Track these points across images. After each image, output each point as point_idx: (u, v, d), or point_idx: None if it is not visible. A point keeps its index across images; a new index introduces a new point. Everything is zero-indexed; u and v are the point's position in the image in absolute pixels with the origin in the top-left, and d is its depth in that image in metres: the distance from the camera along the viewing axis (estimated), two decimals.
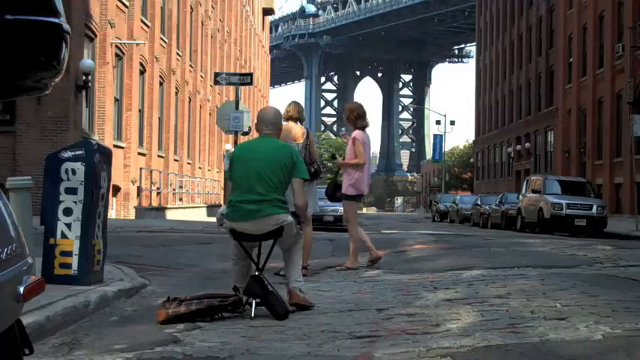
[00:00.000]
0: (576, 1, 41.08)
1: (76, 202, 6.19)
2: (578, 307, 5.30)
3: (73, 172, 6.19)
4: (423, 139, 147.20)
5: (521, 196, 26.81)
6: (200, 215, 31.36)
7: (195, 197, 35.64)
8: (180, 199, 33.09)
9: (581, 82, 39.88)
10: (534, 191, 24.81)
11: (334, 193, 9.25)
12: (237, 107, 20.94)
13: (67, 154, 6.25)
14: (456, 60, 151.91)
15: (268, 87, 75.78)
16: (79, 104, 20.43)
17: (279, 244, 5.81)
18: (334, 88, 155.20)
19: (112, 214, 22.42)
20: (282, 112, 8.54)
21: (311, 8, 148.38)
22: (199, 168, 38.12)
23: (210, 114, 39.90)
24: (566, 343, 4.15)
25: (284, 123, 8.51)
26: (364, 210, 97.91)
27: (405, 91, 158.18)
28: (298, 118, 8.53)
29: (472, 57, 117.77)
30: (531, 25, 52.56)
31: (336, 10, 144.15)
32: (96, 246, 6.33)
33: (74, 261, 6.15)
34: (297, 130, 8.41)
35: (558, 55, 44.69)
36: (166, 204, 29.40)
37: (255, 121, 6.34)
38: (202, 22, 38.69)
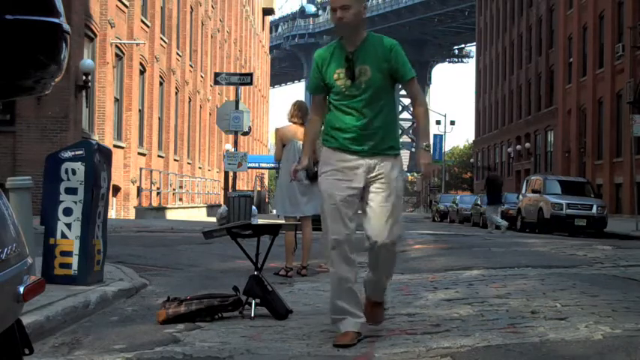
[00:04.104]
0: (576, 1, 41.08)
1: (76, 202, 6.19)
2: (578, 307, 5.30)
3: (73, 172, 6.19)
4: None
5: (521, 196, 26.81)
6: (200, 215, 31.36)
7: (195, 197, 35.65)
8: (180, 199, 33.10)
9: (581, 82, 39.88)
10: (534, 191, 24.81)
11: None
12: (237, 107, 20.95)
13: (67, 154, 6.24)
14: (456, 60, 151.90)
15: (268, 87, 75.78)
16: (79, 104, 20.44)
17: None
18: None
19: (112, 214, 22.42)
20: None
21: (311, 8, 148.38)
22: (199, 168, 38.12)
23: (210, 114, 39.90)
24: (566, 343, 4.15)
25: (288, 124, 8.49)
26: None
27: None
28: (302, 118, 8.34)
29: (472, 57, 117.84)
30: (531, 25, 52.56)
31: None
32: (96, 246, 6.33)
33: (74, 261, 6.15)
34: (301, 131, 8.27)
35: (558, 55, 44.69)
36: (166, 204, 29.41)
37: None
38: (202, 22, 38.70)
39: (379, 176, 4.44)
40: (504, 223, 21.81)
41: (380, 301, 4.78)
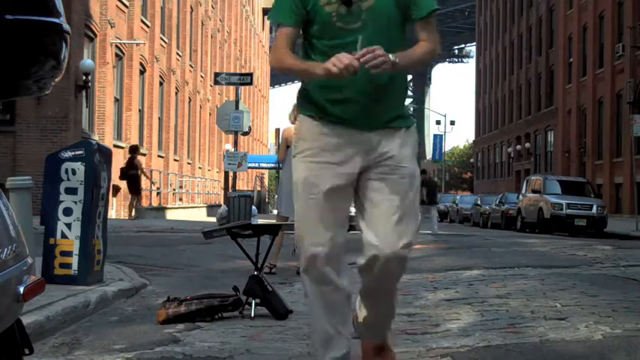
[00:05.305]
0: (576, 1, 41.09)
1: (76, 202, 6.19)
2: (578, 307, 5.30)
3: (73, 172, 6.19)
4: (423, 139, 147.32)
5: (521, 196, 26.82)
6: (200, 215, 31.35)
7: (195, 197, 35.64)
8: (181, 199, 33.09)
9: (581, 82, 39.90)
10: (534, 191, 24.84)
11: None
12: (237, 107, 20.97)
13: (67, 154, 6.24)
14: (456, 60, 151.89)
15: (268, 87, 75.77)
16: (79, 104, 20.43)
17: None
18: None
19: (112, 214, 22.42)
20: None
21: None
22: (199, 168, 38.12)
23: (210, 114, 39.90)
24: (566, 343, 4.15)
25: (290, 126, 8.50)
26: None
27: None
28: None
29: (472, 57, 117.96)
30: (531, 25, 52.58)
31: None
32: (96, 246, 6.33)
33: (74, 261, 6.15)
34: None
35: (558, 55, 44.71)
36: (166, 204, 29.40)
37: None
38: (202, 22, 38.69)
39: (384, 157, 3.04)
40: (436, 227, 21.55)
41: (384, 344, 3.37)
